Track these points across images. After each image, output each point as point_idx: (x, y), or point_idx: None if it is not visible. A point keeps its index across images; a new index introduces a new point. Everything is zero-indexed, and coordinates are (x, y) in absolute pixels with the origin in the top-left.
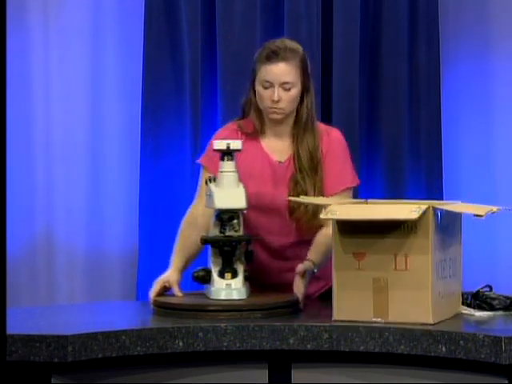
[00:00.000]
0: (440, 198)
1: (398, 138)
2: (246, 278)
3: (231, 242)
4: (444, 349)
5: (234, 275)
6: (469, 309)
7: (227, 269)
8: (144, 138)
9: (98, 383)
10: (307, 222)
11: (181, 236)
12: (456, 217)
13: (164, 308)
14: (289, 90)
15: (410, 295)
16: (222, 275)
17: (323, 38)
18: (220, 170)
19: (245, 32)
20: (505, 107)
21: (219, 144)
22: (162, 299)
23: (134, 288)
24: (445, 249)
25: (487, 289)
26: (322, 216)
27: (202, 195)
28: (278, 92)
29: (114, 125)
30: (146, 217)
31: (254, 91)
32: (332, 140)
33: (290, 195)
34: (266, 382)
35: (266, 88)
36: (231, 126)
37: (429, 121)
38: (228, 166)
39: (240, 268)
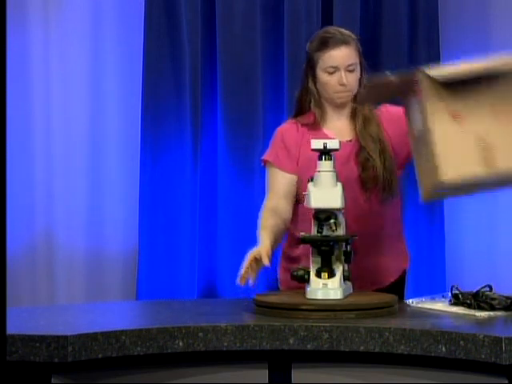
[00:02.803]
0: None
1: None
2: (346, 278)
3: (328, 242)
4: (444, 349)
5: (331, 275)
6: (469, 309)
7: (324, 268)
8: (144, 138)
9: (98, 383)
10: (380, 194)
11: (266, 224)
12: None
13: (260, 306)
14: (353, 71)
15: None
16: (319, 275)
17: None
18: (317, 169)
19: (245, 32)
20: None
21: (316, 144)
22: (261, 298)
23: (134, 288)
24: None
25: (487, 289)
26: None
27: (273, 190)
28: (345, 75)
29: (114, 125)
30: (146, 216)
31: (314, 82)
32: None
33: (361, 170)
34: (266, 381)
35: (331, 73)
36: (290, 120)
37: None
38: (325, 165)
39: (338, 268)
